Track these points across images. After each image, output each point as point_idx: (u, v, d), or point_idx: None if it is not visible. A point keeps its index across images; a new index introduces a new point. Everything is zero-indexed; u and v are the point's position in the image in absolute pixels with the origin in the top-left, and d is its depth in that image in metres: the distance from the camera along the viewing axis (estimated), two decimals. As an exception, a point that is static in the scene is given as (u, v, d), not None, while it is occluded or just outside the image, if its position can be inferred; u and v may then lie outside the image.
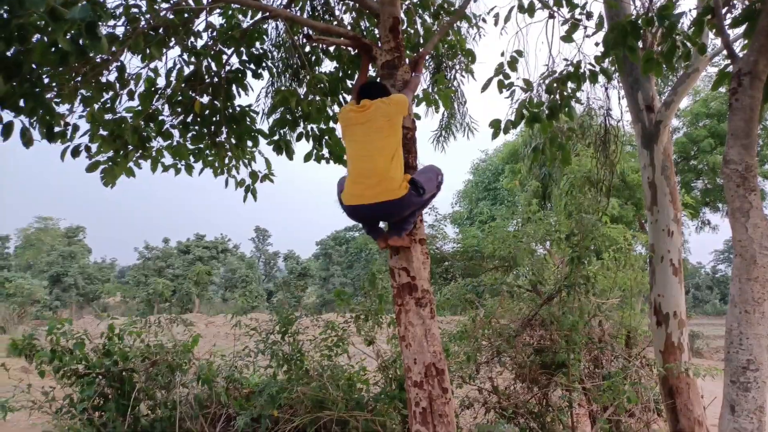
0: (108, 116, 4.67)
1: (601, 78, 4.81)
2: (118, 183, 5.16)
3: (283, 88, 5.74)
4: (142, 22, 4.00)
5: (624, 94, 5.52)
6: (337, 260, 57.07)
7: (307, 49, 5.46)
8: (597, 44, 4.68)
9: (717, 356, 21.94)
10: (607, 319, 4.90)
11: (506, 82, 4.70)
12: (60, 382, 4.08)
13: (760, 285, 2.55)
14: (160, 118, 5.03)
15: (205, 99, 5.04)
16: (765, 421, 2.49)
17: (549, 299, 4.94)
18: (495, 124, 4.62)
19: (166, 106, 4.98)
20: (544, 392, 4.73)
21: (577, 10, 4.61)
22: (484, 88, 4.69)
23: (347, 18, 5.60)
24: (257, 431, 4.07)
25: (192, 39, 4.87)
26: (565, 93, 4.73)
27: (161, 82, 4.84)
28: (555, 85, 4.70)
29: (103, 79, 4.40)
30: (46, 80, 3.78)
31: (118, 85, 4.61)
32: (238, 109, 5.24)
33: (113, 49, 3.71)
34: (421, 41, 5.21)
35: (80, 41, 3.44)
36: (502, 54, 4.74)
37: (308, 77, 5.31)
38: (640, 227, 17.25)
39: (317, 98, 5.25)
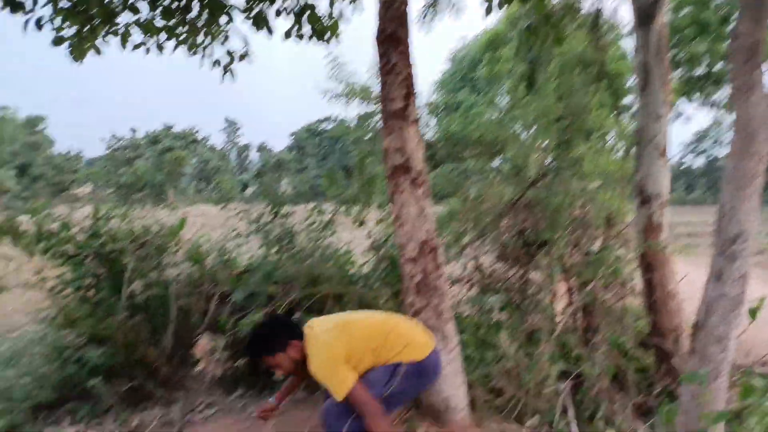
0: (69, -15, 4.27)
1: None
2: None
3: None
4: None
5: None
6: (311, 152, 56.58)
7: None
8: None
9: (678, 242, 23.38)
10: (591, 201, 5.02)
11: (503, -49, 4.39)
12: (50, 262, 4.07)
13: (755, 161, 2.59)
14: (126, -11, 4.61)
15: (174, -32, 4.61)
16: (746, 290, 2.64)
17: (534, 182, 5.00)
18: (490, -2, 4.38)
19: (133, -24, 4.55)
20: (525, 270, 4.93)
21: None
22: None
23: None
24: (251, 308, 4.19)
25: None
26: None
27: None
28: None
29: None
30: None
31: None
32: (210, -21, 4.81)
33: None
34: None
35: None
36: None
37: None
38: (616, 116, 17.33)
39: (298, -32, 4.84)
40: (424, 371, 2.73)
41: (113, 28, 4.93)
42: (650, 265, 4.77)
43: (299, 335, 2.72)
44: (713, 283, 2.67)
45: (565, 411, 3.88)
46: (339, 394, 2.50)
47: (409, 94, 3.35)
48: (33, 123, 42.80)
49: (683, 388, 2.96)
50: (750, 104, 2.64)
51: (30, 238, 4.04)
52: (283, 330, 2.73)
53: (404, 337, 2.75)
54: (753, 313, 3.38)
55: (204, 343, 4.86)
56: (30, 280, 4.02)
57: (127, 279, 4.13)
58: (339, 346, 2.61)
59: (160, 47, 5.26)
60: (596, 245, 5.02)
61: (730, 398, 3.01)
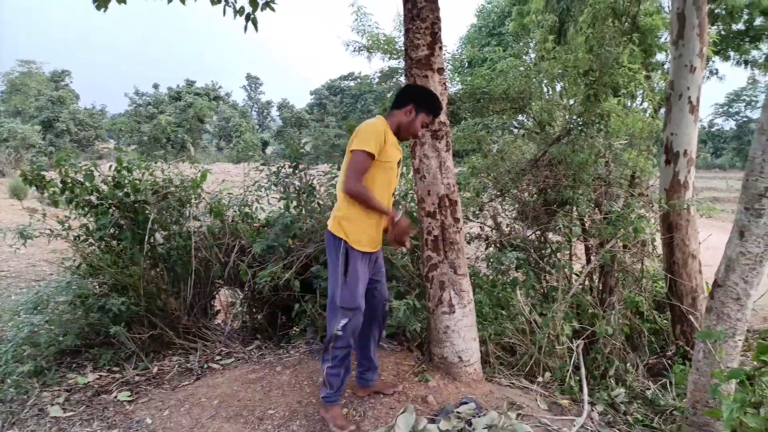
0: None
1: None
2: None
3: None
4: None
5: None
6: (331, 111, 56.11)
7: None
8: None
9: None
10: (616, 158, 4.91)
11: None
12: (74, 212, 4.14)
13: (792, 112, 2.49)
14: (147, -68, 4.52)
15: None
16: (769, 249, 2.57)
17: (558, 139, 4.90)
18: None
19: None
20: (545, 228, 4.89)
21: None
22: None
23: None
24: (270, 261, 4.23)
25: None
26: None
27: None
28: None
29: None
30: None
31: None
32: (231, -76, 4.68)
33: None
34: None
35: None
36: None
37: None
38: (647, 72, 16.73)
39: None
40: None
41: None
42: (672, 224, 4.69)
43: None
44: (735, 239, 2.62)
45: (576, 369, 3.90)
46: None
47: (435, 42, 3.25)
48: (59, 77, 43.04)
49: (697, 345, 2.94)
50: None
51: (55, 187, 4.10)
52: None
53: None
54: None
55: (223, 296, 4.97)
56: (55, 229, 4.09)
57: (149, 230, 4.18)
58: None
59: (182, -5, 5.17)
60: (618, 205, 4.94)
61: (743, 363, 2.98)
